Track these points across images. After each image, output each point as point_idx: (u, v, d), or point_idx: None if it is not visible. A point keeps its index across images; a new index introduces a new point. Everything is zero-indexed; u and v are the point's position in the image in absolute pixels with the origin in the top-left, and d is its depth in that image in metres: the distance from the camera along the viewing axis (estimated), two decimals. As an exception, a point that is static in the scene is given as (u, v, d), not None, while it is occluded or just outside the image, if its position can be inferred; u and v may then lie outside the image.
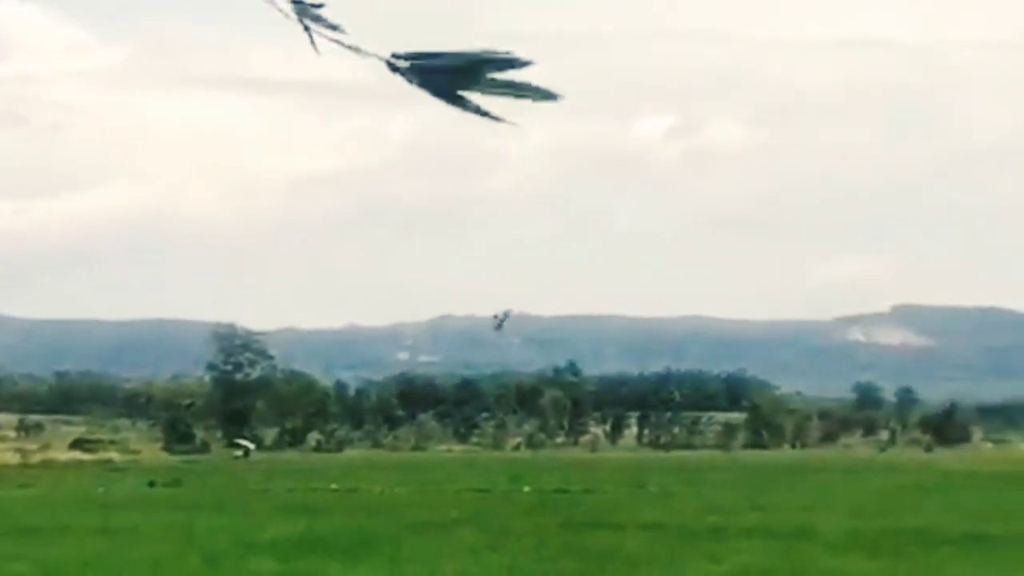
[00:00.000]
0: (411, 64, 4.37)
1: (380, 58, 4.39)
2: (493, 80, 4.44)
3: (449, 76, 4.37)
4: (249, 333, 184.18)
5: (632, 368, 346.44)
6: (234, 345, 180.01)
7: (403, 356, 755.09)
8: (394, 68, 4.38)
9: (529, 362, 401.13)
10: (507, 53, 4.45)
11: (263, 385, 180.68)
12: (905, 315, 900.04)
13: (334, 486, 64.36)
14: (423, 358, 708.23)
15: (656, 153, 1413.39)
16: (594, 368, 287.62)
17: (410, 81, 4.38)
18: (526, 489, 62.36)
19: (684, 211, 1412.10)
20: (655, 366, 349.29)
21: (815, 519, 42.01)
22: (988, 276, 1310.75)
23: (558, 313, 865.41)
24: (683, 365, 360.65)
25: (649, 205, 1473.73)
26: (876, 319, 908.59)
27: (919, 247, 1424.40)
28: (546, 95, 4.54)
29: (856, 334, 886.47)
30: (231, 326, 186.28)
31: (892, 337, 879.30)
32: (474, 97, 4.44)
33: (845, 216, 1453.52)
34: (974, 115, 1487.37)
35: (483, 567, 26.52)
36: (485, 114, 4.46)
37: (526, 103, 4.49)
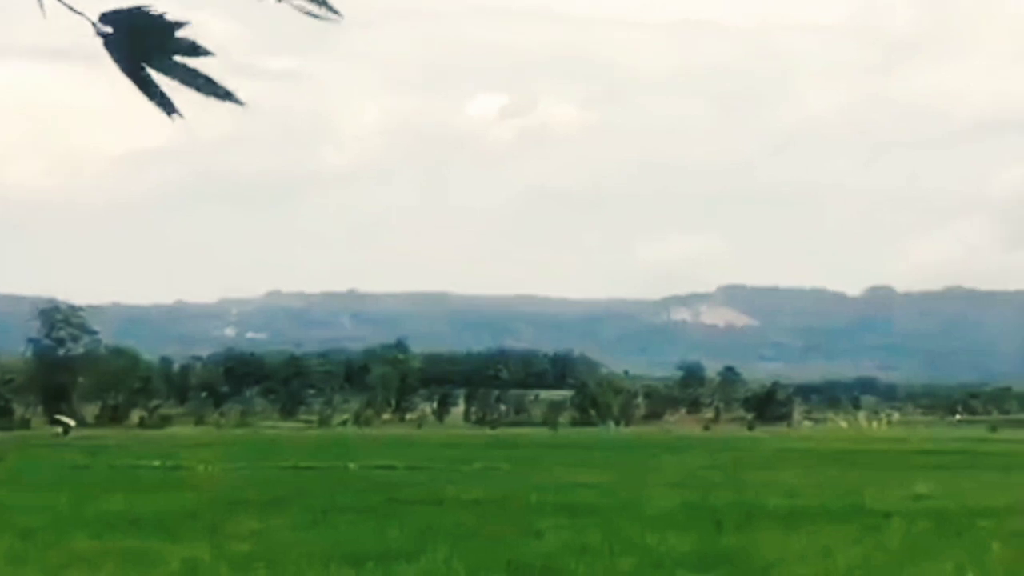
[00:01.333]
0: (102, 31, 4.11)
1: (88, 19, 4.12)
2: (181, 66, 4.24)
3: (131, 46, 4.12)
4: (72, 308, 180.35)
5: (461, 346, 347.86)
6: (56, 320, 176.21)
7: (231, 332, 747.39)
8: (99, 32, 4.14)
9: (359, 339, 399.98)
10: (191, 41, 4.21)
11: (86, 361, 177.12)
12: (730, 295, 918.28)
13: (156, 463, 63.37)
14: (251, 335, 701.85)
15: (489, 131, 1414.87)
16: (423, 346, 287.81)
17: (107, 49, 4.14)
18: (351, 466, 62.14)
19: (516, 190, 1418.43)
20: (484, 344, 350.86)
21: (637, 496, 42.53)
22: (812, 258, 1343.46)
23: (389, 290, 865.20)
24: (511, 343, 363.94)
25: (481, 183, 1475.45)
26: (702, 299, 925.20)
27: (745, 228, 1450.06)
28: (230, 97, 4.38)
29: (683, 313, 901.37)
30: (53, 301, 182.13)
31: (718, 317, 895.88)
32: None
33: (674, 196, 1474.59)
34: (800, 97, 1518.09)
35: (306, 544, 26.31)
36: (166, 104, 4.28)
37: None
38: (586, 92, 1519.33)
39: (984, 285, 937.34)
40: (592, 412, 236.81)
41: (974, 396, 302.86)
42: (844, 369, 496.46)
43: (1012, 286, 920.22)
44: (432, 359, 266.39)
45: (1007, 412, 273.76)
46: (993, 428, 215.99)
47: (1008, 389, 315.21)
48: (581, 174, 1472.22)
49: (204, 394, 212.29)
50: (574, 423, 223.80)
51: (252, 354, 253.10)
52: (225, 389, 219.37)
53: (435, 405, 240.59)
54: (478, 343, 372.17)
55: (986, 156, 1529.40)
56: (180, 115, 4.27)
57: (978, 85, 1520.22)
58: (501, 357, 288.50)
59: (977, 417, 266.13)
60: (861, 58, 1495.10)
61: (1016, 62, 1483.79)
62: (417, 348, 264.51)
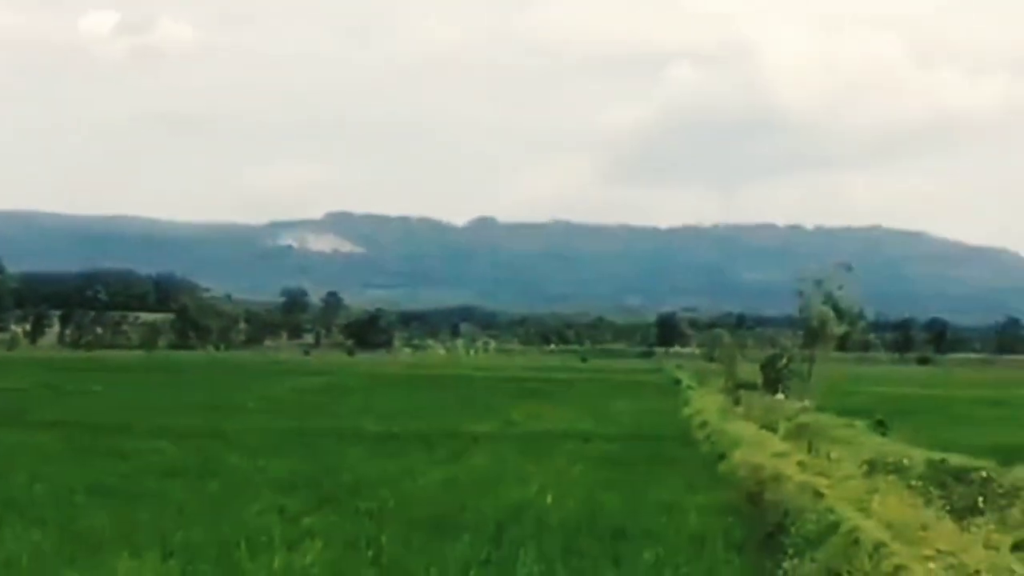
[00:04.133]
0: None
1: None
2: None
3: None
4: None
5: (57, 266, 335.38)
6: None
7: None
8: None
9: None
10: None
11: None
12: (337, 222, 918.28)
13: None
14: None
15: (100, 48, 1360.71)
16: (18, 265, 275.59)
17: None
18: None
19: (123, 109, 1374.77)
20: (81, 264, 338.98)
21: (231, 419, 42.10)
22: (418, 187, 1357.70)
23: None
24: (110, 264, 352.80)
25: (87, 101, 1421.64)
26: (309, 225, 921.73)
27: (354, 156, 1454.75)
28: None
29: (288, 239, 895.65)
30: None
31: (323, 243, 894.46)
32: None
33: (285, 123, 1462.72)
34: (416, 29, 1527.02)
35: None
36: None
37: None
38: (204, 14, 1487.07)
39: (585, 218, 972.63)
40: (192, 335, 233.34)
41: (569, 326, 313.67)
42: (446, 297, 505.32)
43: (611, 220, 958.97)
44: (27, 279, 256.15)
45: (600, 342, 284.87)
46: (584, 358, 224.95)
47: (601, 319, 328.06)
48: (193, 96, 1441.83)
49: None
50: (173, 346, 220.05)
51: None
52: None
53: (28, 326, 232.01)
54: (75, 264, 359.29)
55: (591, 93, 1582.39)
56: None
57: (587, 23, 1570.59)
58: (99, 278, 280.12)
59: (571, 346, 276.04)
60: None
61: (620, 1, 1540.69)
62: (9, 267, 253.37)
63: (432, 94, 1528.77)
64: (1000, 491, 21.17)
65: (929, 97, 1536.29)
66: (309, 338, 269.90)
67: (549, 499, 21.59)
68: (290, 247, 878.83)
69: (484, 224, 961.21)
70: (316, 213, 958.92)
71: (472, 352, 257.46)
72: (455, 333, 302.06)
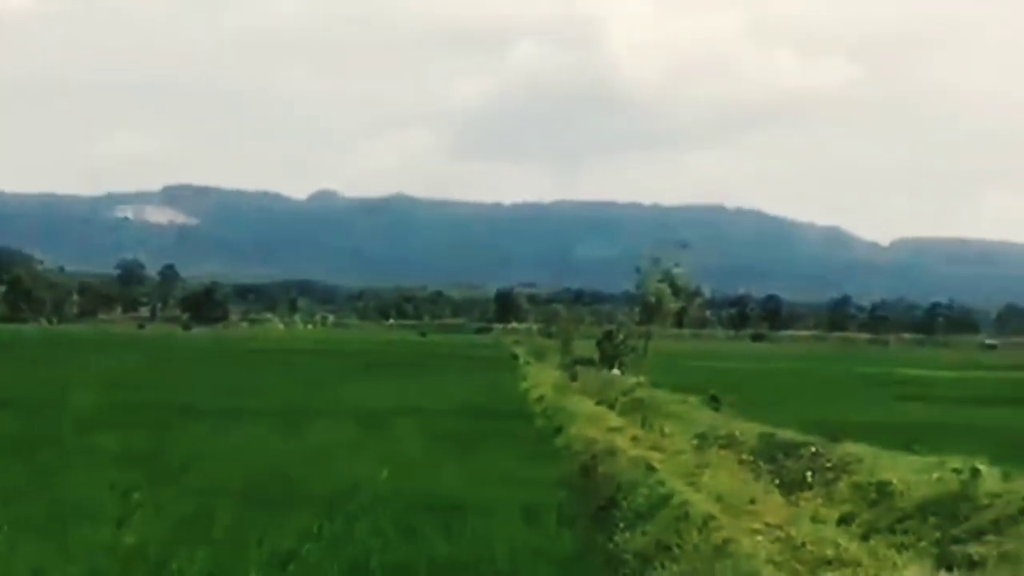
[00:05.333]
0: None
1: None
2: None
3: None
4: None
5: None
6: None
7: None
8: None
9: None
10: None
11: None
12: (176, 195, 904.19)
13: None
14: None
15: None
16: None
17: None
18: None
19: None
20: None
21: (66, 393, 41.23)
22: (259, 160, 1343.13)
23: None
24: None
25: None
26: (147, 197, 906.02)
27: (194, 128, 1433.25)
28: None
29: (125, 211, 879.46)
30: None
31: (161, 216, 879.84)
32: None
33: (124, 93, 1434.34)
34: (260, 1, 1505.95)
35: None
36: None
37: None
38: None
39: (427, 193, 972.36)
40: (24, 308, 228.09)
41: (408, 301, 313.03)
42: (285, 271, 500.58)
43: (453, 195, 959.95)
44: None
45: (439, 317, 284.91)
46: (423, 333, 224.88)
47: (441, 295, 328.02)
48: (29, 66, 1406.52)
49: None
50: (4, 319, 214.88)
51: None
52: None
53: None
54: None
55: (436, 68, 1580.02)
56: None
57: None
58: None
59: (409, 321, 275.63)
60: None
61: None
62: None
63: (275, 67, 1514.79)
64: (828, 466, 21.63)
65: (767, 77, 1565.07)
66: (144, 311, 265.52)
67: (385, 473, 21.55)
68: (127, 219, 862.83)
69: (325, 198, 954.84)
70: (154, 185, 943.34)
71: (310, 327, 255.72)
72: (293, 308, 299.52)
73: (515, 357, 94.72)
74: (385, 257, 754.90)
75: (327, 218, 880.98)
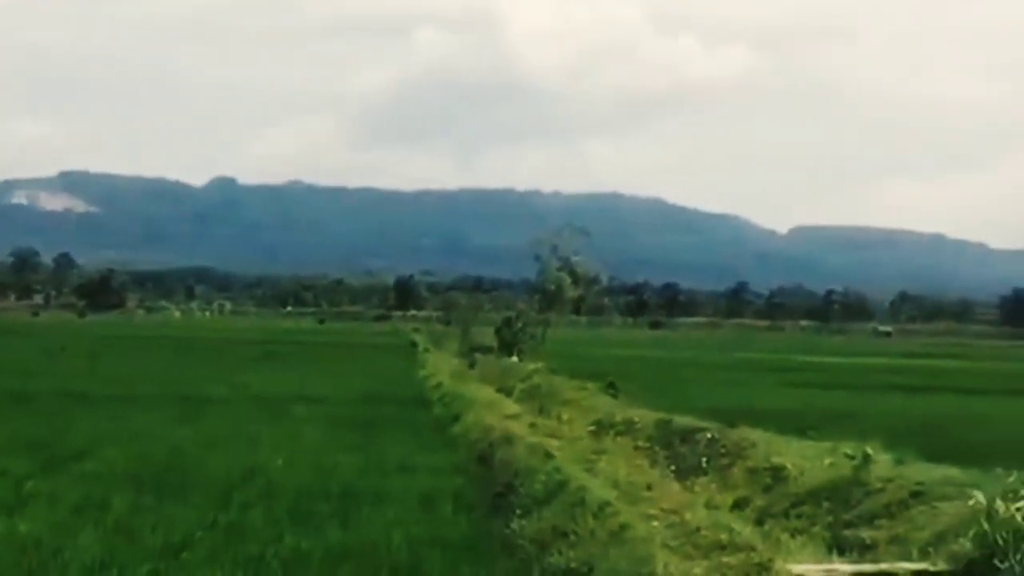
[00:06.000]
0: None
1: None
2: None
3: None
4: None
5: None
6: None
7: None
8: None
9: None
10: None
11: None
12: (72, 181, 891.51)
13: None
14: None
15: None
16: None
17: None
18: None
19: None
20: None
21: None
22: (156, 147, 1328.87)
23: None
24: None
25: None
26: (42, 184, 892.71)
27: (90, 114, 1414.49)
28: None
29: (20, 197, 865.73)
30: None
31: (56, 202, 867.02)
32: None
33: (20, 78, 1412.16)
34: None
35: None
36: None
37: None
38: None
39: (327, 180, 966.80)
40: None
41: (307, 289, 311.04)
42: (183, 258, 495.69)
43: (354, 182, 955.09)
44: None
45: (338, 305, 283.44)
46: (321, 320, 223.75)
47: (340, 282, 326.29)
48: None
49: None
50: None
51: None
52: None
53: None
54: None
55: (337, 56, 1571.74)
56: None
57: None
58: None
59: (307, 309, 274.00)
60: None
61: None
62: None
63: (174, 53, 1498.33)
64: (723, 451, 21.84)
65: (668, 66, 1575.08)
66: (39, 299, 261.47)
67: (280, 461, 21.46)
68: (21, 205, 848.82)
69: (224, 185, 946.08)
70: (50, 171, 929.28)
71: (207, 314, 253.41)
72: (190, 295, 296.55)
73: (414, 345, 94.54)
74: (284, 245, 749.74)
75: (226, 205, 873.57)
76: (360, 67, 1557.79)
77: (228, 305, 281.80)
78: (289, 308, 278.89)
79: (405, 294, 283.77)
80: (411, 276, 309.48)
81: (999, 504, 11.80)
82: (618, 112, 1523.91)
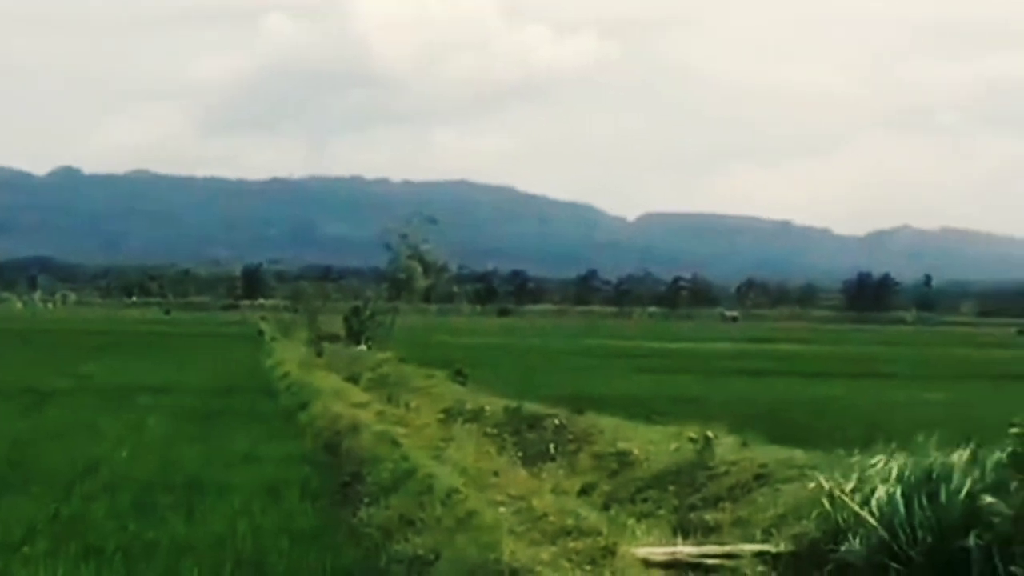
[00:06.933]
0: None
1: None
2: None
3: None
4: None
5: None
6: None
7: None
8: None
9: None
10: None
11: None
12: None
13: None
14: None
15: None
16: None
17: None
18: None
19: None
20: None
21: None
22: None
23: None
24: None
25: None
26: None
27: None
28: None
29: None
30: None
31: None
32: None
33: None
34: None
35: None
36: None
37: None
38: None
39: (172, 170, 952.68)
40: None
41: (153, 279, 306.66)
42: (24, 248, 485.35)
43: (200, 172, 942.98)
44: None
45: (185, 295, 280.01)
46: (167, 311, 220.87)
47: (187, 272, 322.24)
48: None
49: None
50: None
51: None
52: None
53: None
54: None
55: (183, 43, 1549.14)
56: None
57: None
58: None
59: (153, 299, 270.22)
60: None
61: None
62: None
63: (16, 39, 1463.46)
64: (570, 437, 21.98)
65: (517, 54, 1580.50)
66: None
67: (124, 453, 21.21)
68: None
69: (67, 174, 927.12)
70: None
71: (50, 305, 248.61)
72: (32, 286, 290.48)
73: (261, 334, 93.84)
74: (130, 235, 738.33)
75: (69, 195, 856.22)
76: (207, 55, 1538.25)
77: (72, 296, 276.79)
78: (134, 299, 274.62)
79: (253, 283, 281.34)
80: (259, 265, 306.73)
81: (838, 484, 12.02)
82: (468, 100, 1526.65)
